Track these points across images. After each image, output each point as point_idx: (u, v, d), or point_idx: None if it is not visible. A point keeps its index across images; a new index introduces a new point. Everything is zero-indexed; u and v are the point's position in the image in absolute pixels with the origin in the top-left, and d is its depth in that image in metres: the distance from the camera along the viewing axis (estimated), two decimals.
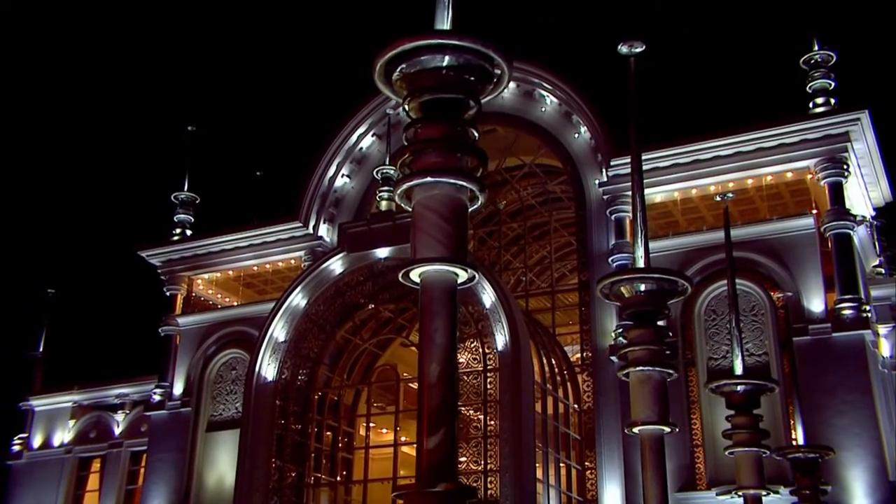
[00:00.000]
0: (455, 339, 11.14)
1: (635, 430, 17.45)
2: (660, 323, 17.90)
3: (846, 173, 37.98)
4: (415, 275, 11.50)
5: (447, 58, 11.45)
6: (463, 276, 11.60)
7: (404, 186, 11.71)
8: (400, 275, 11.70)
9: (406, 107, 12.08)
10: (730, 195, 31.77)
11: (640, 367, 17.12)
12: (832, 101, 39.15)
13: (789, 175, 39.55)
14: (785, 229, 37.84)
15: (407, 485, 10.78)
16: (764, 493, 25.30)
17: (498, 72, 11.76)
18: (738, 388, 24.05)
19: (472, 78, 11.65)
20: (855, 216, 38.09)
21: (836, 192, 37.83)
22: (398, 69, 11.69)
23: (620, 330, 38.96)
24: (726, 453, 25.34)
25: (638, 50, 19.39)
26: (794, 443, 33.26)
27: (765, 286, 37.22)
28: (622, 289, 17.56)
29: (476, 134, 12.05)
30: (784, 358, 36.17)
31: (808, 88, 39.55)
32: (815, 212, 38.58)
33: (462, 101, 11.76)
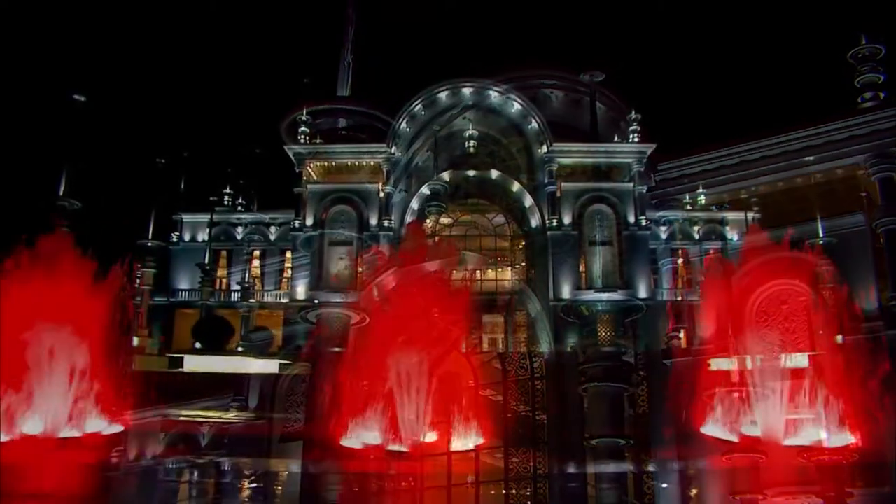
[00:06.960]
0: None
1: (593, 442, 18.17)
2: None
3: None
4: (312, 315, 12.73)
5: (340, 120, 12.63)
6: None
7: (304, 235, 12.93)
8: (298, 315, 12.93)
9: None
10: (726, 205, 31.83)
11: (596, 383, 17.85)
12: (881, 95, 38.61)
13: (839, 171, 39.15)
14: (835, 227, 37.59)
15: None
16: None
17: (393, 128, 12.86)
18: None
19: (364, 136, 12.81)
20: None
21: (888, 186, 37.48)
22: (299, 130, 12.95)
23: (674, 334, 39.33)
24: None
25: (598, 80, 20.04)
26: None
27: (815, 284, 36.83)
28: (582, 308, 18.32)
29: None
30: (836, 356, 35.72)
31: (856, 83, 39.10)
32: (866, 207, 38.05)
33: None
